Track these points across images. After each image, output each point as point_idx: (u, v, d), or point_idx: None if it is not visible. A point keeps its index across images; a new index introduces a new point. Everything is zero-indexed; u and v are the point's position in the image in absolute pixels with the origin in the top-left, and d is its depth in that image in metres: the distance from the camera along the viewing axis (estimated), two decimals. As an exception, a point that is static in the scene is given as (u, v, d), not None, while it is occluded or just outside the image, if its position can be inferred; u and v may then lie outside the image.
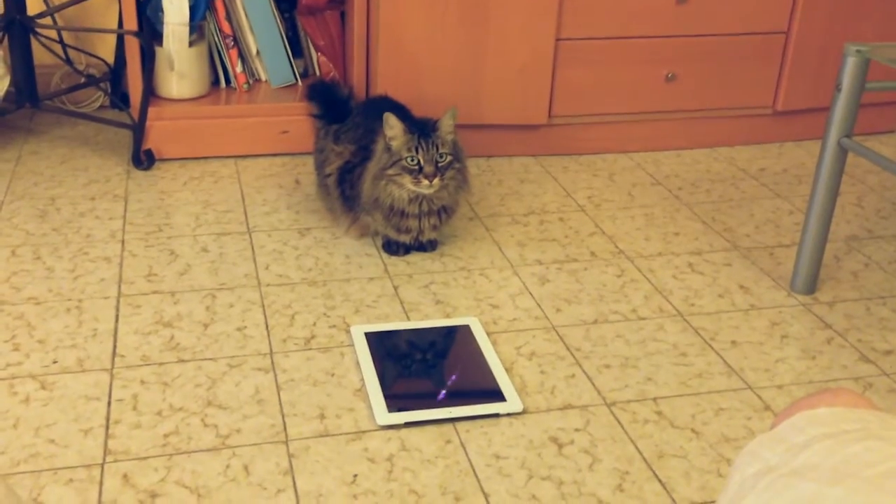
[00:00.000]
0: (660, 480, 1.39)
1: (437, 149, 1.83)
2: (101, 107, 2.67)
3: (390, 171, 1.85)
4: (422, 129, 1.84)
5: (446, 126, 1.86)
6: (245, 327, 1.71)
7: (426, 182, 1.83)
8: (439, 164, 1.83)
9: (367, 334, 1.68)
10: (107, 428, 1.44)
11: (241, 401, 1.51)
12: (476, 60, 2.36)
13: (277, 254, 1.97)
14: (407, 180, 1.84)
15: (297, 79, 2.56)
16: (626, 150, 2.59)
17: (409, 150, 1.82)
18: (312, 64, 2.61)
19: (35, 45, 2.36)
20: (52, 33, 2.50)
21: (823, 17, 2.52)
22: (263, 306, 1.78)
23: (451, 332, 1.72)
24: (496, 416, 1.51)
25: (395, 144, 1.85)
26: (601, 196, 2.32)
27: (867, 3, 2.53)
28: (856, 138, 1.82)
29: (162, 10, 2.34)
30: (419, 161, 1.82)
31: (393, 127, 1.84)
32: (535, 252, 2.03)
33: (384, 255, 1.98)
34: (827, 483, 0.55)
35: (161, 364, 1.60)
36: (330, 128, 2.08)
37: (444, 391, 1.55)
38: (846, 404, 0.67)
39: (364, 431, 1.46)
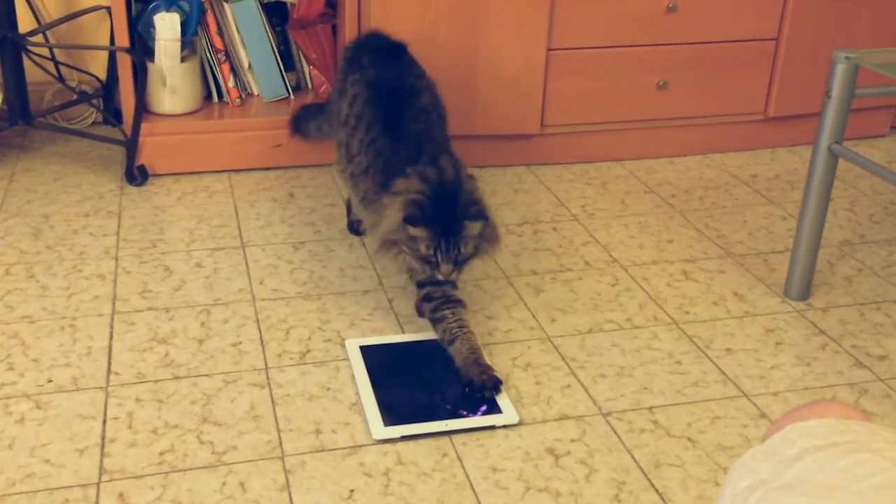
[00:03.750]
0: (657, 490, 1.39)
1: (459, 249, 1.62)
2: (94, 123, 2.67)
3: (405, 249, 1.64)
4: (446, 226, 1.60)
5: (474, 228, 1.62)
6: (240, 343, 1.71)
7: (441, 277, 1.65)
8: (458, 260, 1.64)
9: (362, 348, 1.68)
10: (102, 447, 1.44)
11: (236, 417, 1.51)
12: (468, 71, 2.36)
13: (272, 268, 1.97)
14: (423, 266, 1.66)
15: (289, 92, 2.57)
16: (619, 159, 2.60)
17: (427, 247, 1.61)
18: (304, 77, 2.62)
19: (27, 62, 2.37)
20: (44, 51, 2.50)
21: (813, 23, 2.53)
22: (258, 321, 1.78)
23: (446, 344, 1.71)
24: (492, 428, 1.51)
25: (413, 232, 1.62)
26: (594, 205, 2.33)
27: (856, 9, 2.54)
28: (848, 142, 1.83)
29: (153, 27, 2.35)
30: (437, 259, 1.62)
31: (416, 236, 1.62)
32: (529, 262, 2.04)
33: (378, 268, 1.98)
34: (817, 497, 0.56)
35: (156, 381, 1.60)
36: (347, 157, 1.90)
37: (439, 404, 1.55)
38: (837, 416, 0.67)
39: (360, 446, 1.46)
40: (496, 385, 1.57)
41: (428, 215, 1.61)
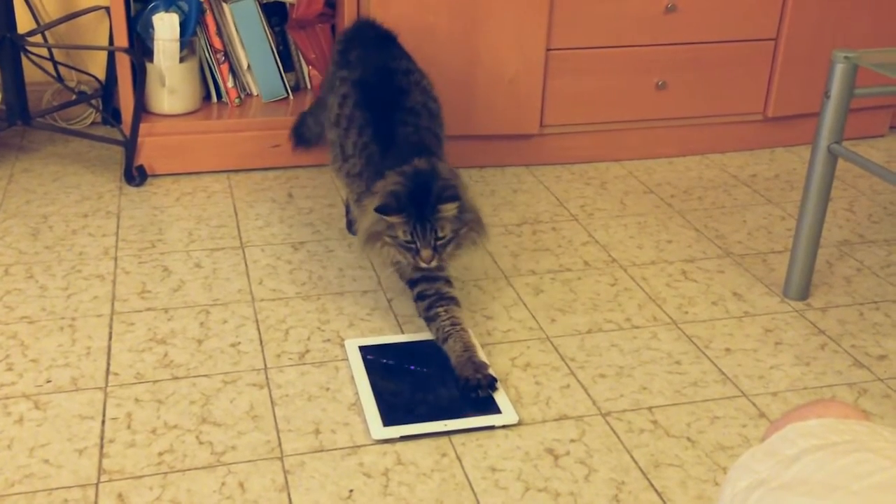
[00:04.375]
0: (656, 490, 1.39)
1: (436, 232, 1.63)
2: (93, 123, 2.67)
3: (387, 239, 1.67)
4: (420, 209, 1.62)
5: (448, 210, 1.64)
6: (239, 343, 1.71)
7: (423, 264, 1.65)
8: (437, 244, 1.64)
9: (361, 348, 1.68)
10: (101, 447, 1.44)
11: (235, 417, 1.51)
12: (467, 71, 2.36)
13: (271, 268, 1.97)
14: (405, 255, 1.67)
15: (288, 93, 2.57)
16: (618, 159, 2.60)
17: (405, 233, 1.64)
18: (303, 78, 2.62)
19: (26, 62, 2.37)
20: (43, 51, 2.50)
21: (812, 23, 2.53)
22: (257, 321, 1.78)
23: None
24: (491, 428, 1.51)
25: (389, 220, 1.65)
26: (594, 205, 2.33)
27: (855, 9, 2.54)
28: (847, 142, 1.83)
29: (152, 27, 2.35)
30: (416, 244, 1.64)
31: (392, 222, 1.65)
32: (528, 262, 2.04)
33: (377, 268, 1.98)
34: (817, 497, 0.56)
35: (155, 381, 1.60)
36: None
37: (438, 404, 1.55)
38: (836, 415, 0.67)
39: (359, 446, 1.46)
40: (491, 384, 1.57)
41: (402, 203, 1.63)
